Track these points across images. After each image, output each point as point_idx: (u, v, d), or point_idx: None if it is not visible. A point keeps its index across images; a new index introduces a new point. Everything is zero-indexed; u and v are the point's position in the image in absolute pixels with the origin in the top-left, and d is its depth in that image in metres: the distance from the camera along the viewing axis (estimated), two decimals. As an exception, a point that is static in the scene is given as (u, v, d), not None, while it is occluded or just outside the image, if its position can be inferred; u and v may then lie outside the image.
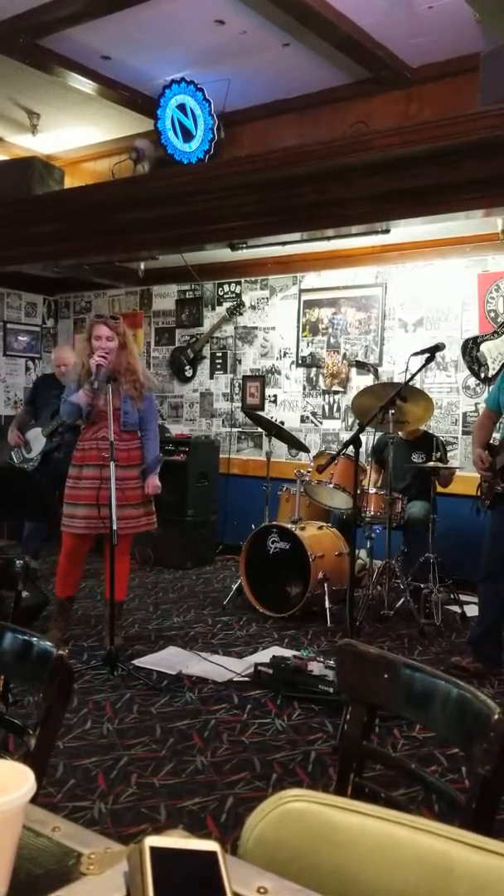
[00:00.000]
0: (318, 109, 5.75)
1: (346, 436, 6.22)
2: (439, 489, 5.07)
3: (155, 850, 0.73)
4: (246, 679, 3.85)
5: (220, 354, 7.29)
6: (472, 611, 4.91)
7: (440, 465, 4.99)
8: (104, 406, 4.09)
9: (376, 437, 5.59)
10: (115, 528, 3.86)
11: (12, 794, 0.76)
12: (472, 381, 5.92)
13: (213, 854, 0.74)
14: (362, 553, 5.31)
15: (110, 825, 2.51)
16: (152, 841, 0.74)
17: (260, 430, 6.59)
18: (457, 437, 5.99)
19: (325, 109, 5.72)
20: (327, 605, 4.85)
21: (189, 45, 5.17)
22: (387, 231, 5.25)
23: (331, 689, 3.53)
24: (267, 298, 6.99)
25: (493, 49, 3.83)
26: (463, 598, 5.04)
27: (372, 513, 5.00)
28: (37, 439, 5.62)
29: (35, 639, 1.40)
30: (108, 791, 2.73)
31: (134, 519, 4.18)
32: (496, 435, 4.14)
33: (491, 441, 4.08)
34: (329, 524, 5.45)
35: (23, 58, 5.18)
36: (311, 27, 4.68)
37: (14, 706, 3.25)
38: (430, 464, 4.93)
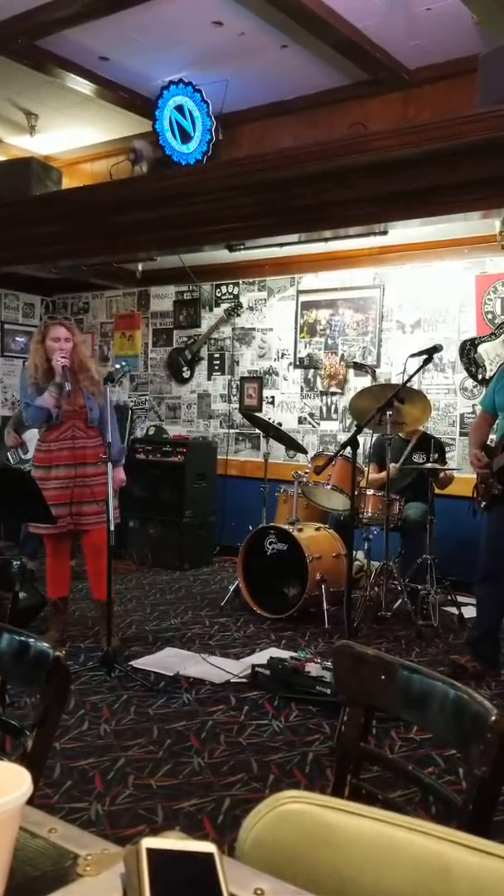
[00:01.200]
0: (317, 111, 5.76)
1: (343, 437, 6.22)
2: (437, 491, 5.07)
3: (152, 852, 0.72)
4: (243, 680, 3.85)
5: (217, 356, 7.29)
6: (469, 612, 4.91)
7: (438, 466, 5.00)
8: (70, 405, 4.13)
9: (374, 438, 5.59)
10: (111, 528, 3.86)
11: (9, 796, 0.76)
12: (470, 383, 5.93)
13: (209, 855, 0.74)
14: (360, 554, 5.31)
15: (107, 827, 2.51)
16: (149, 842, 0.73)
17: (258, 431, 6.59)
18: (454, 439, 5.99)
19: (324, 111, 5.72)
20: (325, 606, 4.85)
21: (187, 47, 5.17)
22: (385, 233, 5.25)
23: (328, 691, 3.53)
24: (265, 300, 6.99)
25: (491, 50, 3.83)
26: (460, 599, 5.04)
27: (369, 514, 5.00)
28: (34, 440, 5.60)
29: (32, 640, 1.40)
30: (105, 792, 2.73)
31: (103, 514, 4.12)
32: (492, 436, 4.15)
33: (488, 442, 4.09)
34: (327, 525, 5.45)
35: (21, 58, 5.18)
36: (309, 29, 4.68)
37: (11, 707, 3.25)
38: (429, 465, 4.93)
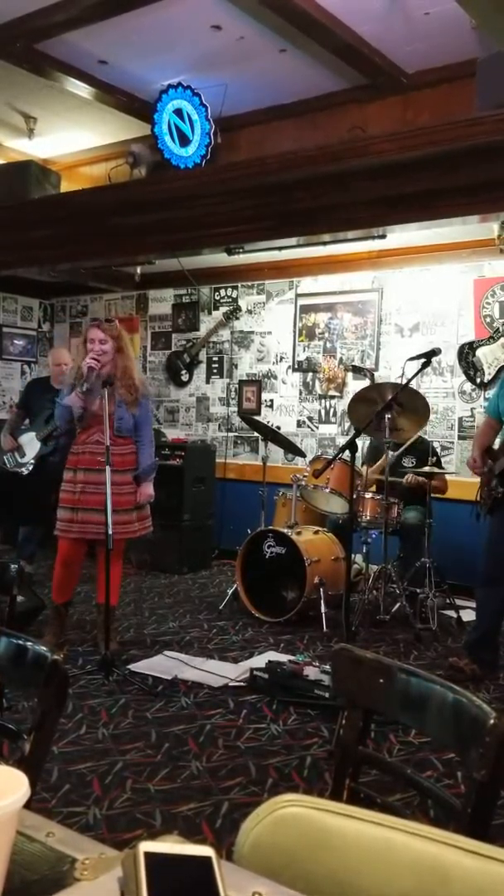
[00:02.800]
0: (315, 115, 5.77)
1: (342, 440, 6.22)
2: (436, 493, 5.07)
3: (149, 856, 0.72)
4: (242, 684, 3.84)
5: (216, 359, 7.29)
6: (467, 616, 4.91)
7: (436, 470, 5.00)
8: (98, 410, 4.09)
9: (369, 440, 5.59)
10: (110, 532, 3.85)
11: (6, 800, 0.75)
12: (468, 387, 5.93)
13: (207, 859, 0.73)
14: (358, 558, 5.30)
15: (105, 831, 2.50)
16: (147, 846, 0.73)
17: (256, 434, 6.60)
18: (452, 443, 6.00)
19: (322, 115, 5.74)
20: (323, 609, 4.84)
21: (186, 51, 5.18)
22: (383, 236, 5.26)
23: (327, 694, 3.52)
24: (263, 303, 7.00)
25: (489, 55, 3.84)
26: (459, 602, 5.03)
27: (368, 517, 5.00)
28: (31, 443, 5.60)
29: (30, 643, 1.40)
30: (102, 796, 2.72)
31: (126, 524, 4.14)
32: (498, 440, 4.15)
33: (493, 446, 4.09)
34: (325, 529, 5.45)
35: (20, 62, 5.20)
36: (308, 33, 4.69)
37: (9, 711, 3.24)
38: (426, 469, 4.93)
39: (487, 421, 4.18)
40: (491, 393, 5.17)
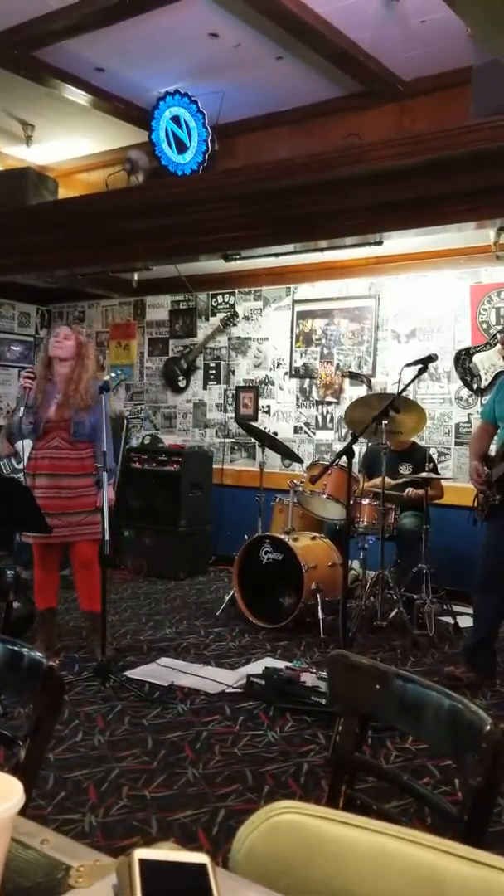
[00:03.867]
0: (312, 122, 5.79)
1: (339, 446, 6.23)
2: (432, 500, 5.07)
3: (144, 863, 0.72)
4: (238, 690, 3.83)
5: (213, 365, 7.30)
6: (464, 622, 4.91)
7: (433, 476, 5.00)
8: (53, 415, 4.15)
9: (367, 449, 5.60)
10: (107, 538, 3.85)
11: (0, 806, 0.75)
12: (465, 392, 5.94)
13: (202, 867, 0.73)
14: (355, 564, 5.30)
15: (101, 838, 2.49)
16: (141, 853, 0.73)
17: (253, 440, 6.59)
18: (449, 448, 6.00)
19: (319, 122, 5.75)
20: (320, 615, 4.84)
21: (183, 58, 5.19)
22: (380, 243, 5.27)
23: (323, 701, 3.52)
24: (260, 309, 7.01)
25: (484, 63, 3.86)
26: (456, 609, 5.03)
27: (365, 523, 5.00)
28: (29, 449, 5.59)
29: (26, 649, 1.40)
30: (98, 803, 2.71)
31: (93, 525, 4.10)
32: (493, 447, 4.15)
33: (488, 452, 4.09)
34: (322, 535, 5.45)
35: (18, 69, 5.20)
36: (304, 40, 4.71)
37: (4, 717, 3.23)
38: (423, 474, 4.93)
39: (483, 425, 4.18)
40: (487, 398, 5.18)
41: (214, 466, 7.03)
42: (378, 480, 4.99)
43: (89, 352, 4.30)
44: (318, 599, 4.86)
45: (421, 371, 4.46)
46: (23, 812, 0.80)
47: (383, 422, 4.63)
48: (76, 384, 4.16)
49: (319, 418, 6.69)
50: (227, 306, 7.19)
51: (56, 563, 4.33)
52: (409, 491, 5.14)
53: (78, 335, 4.28)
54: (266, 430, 5.81)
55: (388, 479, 5.09)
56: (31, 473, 4.20)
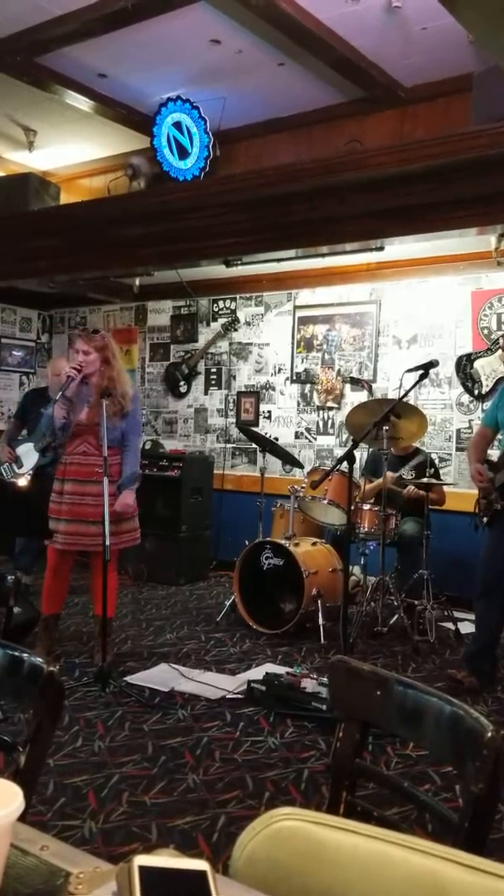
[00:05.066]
0: (313, 128, 5.80)
1: (340, 452, 6.23)
2: (433, 506, 5.07)
3: (144, 870, 0.72)
4: (239, 696, 3.83)
5: (214, 370, 7.30)
6: (465, 628, 4.91)
7: (434, 481, 5.00)
8: (84, 419, 4.12)
9: (369, 452, 5.60)
10: (107, 543, 3.84)
11: (0, 812, 0.75)
12: (466, 398, 5.94)
13: (202, 873, 0.73)
14: (356, 569, 5.30)
15: (101, 844, 2.48)
16: (141, 860, 0.73)
17: (254, 445, 6.60)
18: (450, 454, 6.00)
19: (320, 128, 5.77)
20: (321, 621, 4.83)
21: (185, 64, 5.21)
22: (381, 248, 5.28)
23: (324, 707, 3.51)
24: (262, 315, 7.01)
25: (485, 69, 3.87)
26: (457, 615, 5.02)
27: (366, 529, 5.00)
28: (28, 454, 5.60)
29: (26, 654, 1.39)
30: (98, 810, 2.70)
31: (114, 535, 4.08)
32: (491, 452, 4.15)
33: (489, 458, 4.09)
34: (323, 540, 5.44)
35: (20, 75, 5.23)
36: (306, 47, 4.73)
37: (4, 723, 3.22)
38: (424, 480, 4.92)
39: (481, 430, 4.20)
40: (488, 403, 5.17)
41: (215, 472, 7.03)
42: (380, 480, 4.99)
43: (115, 352, 4.22)
44: (319, 605, 4.85)
45: (422, 377, 4.46)
46: (22, 818, 0.79)
47: (384, 427, 4.63)
48: (111, 391, 4.08)
49: (320, 424, 6.68)
50: (229, 311, 7.19)
51: (68, 570, 4.32)
52: (410, 488, 5.12)
53: (93, 342, 4.18)
54: (267, 436, 5.81)
55: (390, 474, 5.08)
56: (61, 478, 4.17)
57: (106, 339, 4.23)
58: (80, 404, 4.15)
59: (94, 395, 4.13)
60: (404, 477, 5.26)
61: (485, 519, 3.99)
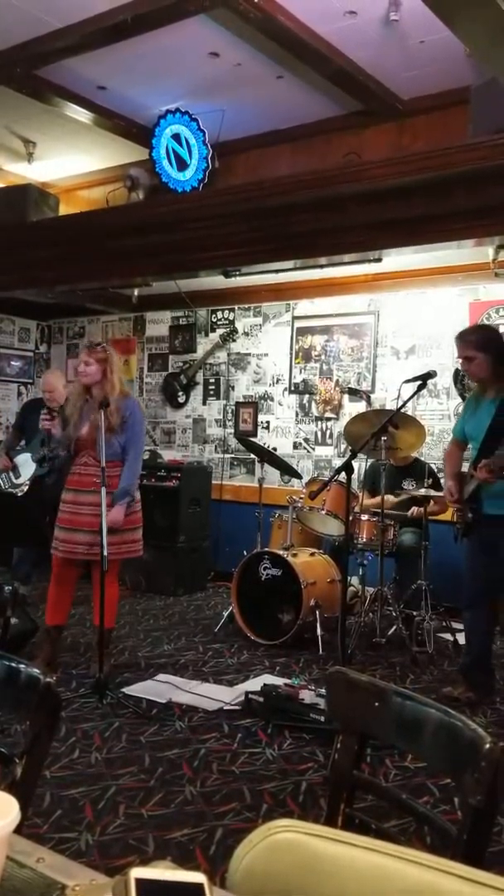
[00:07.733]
0: (311, 140, 5.83)
1: (338, 462, 6.22)
2: (435, 515, 5.07)
3: (140, 882, 0.71)
4: (236, 707, 3.81)
5: (213, 381, 7.31)
6: (464, 639, 4.89)
7: (433, 493, 5.00)
8: (85, 435, 4.17)
9: (368, 464, 5.60)
10: (105, 553, 3.83)
11: (-4, 824, 0.74)
12: (464, 409, 5.95)
13: (199, 886, 0.72)
14: (354, 580, 5.29)
15: (97, 856, 2.47)
16: (138, 872, 0.72)
17: (252, 456, 6.59)
18: (449, 465, 5.99)
19: (318, 140, 5.80)
20: (319, 632, 4.82)
21: (184, 77, 5.24)
22: (379, 260, 5.30)
23: (322, 718, 3.50)
24: (260, 325, 7.03)
25: (483, 82, 3.89)
26: (455, 625, 5.01)
27: (364, 540, 4.99)
28: (26, 464, 5.60)
29: (23, 665, 1.39)
30: (95, 822, 2.69)
31: (113, 545, 4.06)
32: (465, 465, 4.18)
33: (460, 470, 4.14)
34: (321, 551, 5.44)
35: (20, 87, 5.25)
36: (304, 60, 4.75)
37: (1, 734, 3.21)
38: (422, 491, 4.92)
39: (453, 441, 4.27)
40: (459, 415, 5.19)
41: (213, 482, 7.02)
42: (379, 499, 4.99)
43: (114, 366, 4.22)
44: (317, 616, 4.84)
45: (420, 387, 4.47)
46: (18, 830, 0.79)
47: (382, 438, 4.63)
48: (107, 404, 4.11)
49: (319, 434, 6.69)
50: (227, 322, 7.21)
51: (73, 581, 4.31)
52: (414, 510, 5.11)
53: (97, 353, 4.19)
54: (265, 446, 5.81)
55: (390, 497, 5.09)
56: (68, 489, 4.26)
57: (108, 352, 4.23)
58: (83, 420, 4.20)
59: (95, 410, 4.14)
60: (405, 489, 5.25)
61: (460, 530, 4.03)
